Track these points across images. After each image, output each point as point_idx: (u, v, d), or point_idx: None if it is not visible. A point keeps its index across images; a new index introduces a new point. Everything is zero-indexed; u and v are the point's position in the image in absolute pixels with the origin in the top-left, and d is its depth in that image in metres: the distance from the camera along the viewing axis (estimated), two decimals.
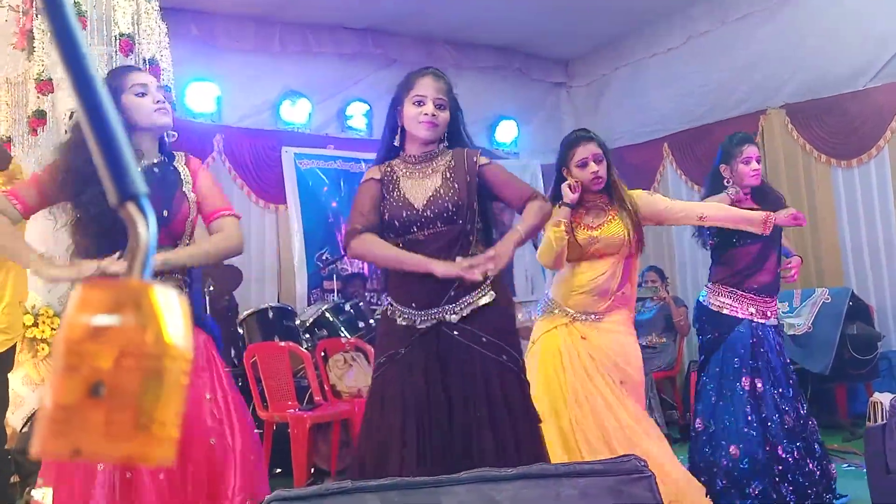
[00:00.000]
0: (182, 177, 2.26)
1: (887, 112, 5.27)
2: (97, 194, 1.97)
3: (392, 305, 2.29)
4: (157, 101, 2.19)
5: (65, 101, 3.44)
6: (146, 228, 0.50)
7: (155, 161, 2.24)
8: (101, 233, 2.06)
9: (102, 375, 0.42)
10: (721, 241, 3.32)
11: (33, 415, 3.49)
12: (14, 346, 3.33)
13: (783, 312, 4.89)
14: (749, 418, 3.16)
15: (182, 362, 0.45)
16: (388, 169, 2.35)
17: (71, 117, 3.50)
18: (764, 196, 3.43)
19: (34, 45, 3.30)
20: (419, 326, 2.21)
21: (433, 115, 2.26)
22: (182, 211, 2.22)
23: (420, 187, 2.30)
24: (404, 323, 2.24)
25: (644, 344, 5.29)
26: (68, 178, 2.09)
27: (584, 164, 2.88)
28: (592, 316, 2.95)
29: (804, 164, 5.70)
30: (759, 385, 3.20)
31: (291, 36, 5.94)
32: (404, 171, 2.34)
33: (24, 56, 3.50)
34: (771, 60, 5.85)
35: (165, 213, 2.17)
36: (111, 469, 1.99)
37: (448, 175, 2.30)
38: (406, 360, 2.20)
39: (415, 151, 2.34)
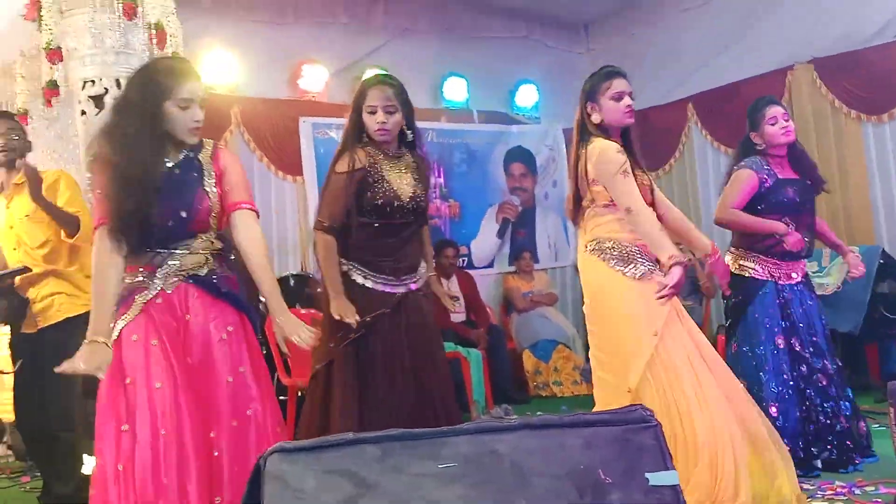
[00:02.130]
0: (205, 170, 2.30)
1: None
2: (136, 201, 2.15)
3: (362, 271, 2.74)
4: (196, 121, 2.24)
5: (76, 71, 3.44)
6: None
7: (179, 158, 2.28)
8: (139, 236, 2.20)
9: None
10: (746, 209, 3.31)
11: None
12: None
13: (812, 272, 4.78)
14: (785, 377, 3.19)
15: None
16: (371, 159, 2.75)
17: (84, 87, 3.51)
18: (797, 160, 3.40)
19: (42, 14, 3.29)
20: (395, 292, 2.74)
21: (384, 122, 2.71)
22: (203, 207, 2.26)
23: (402, 182, 2.77)
24: (379, 287, 2.73)
25: None
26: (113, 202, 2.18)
27: (619, 97, 2.75)
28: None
29: (833, 120, 5.54)
30: (795, 344, 3.23)
31: (305, 5, 5.89)
32: (384, 163, 2.77)
33: (36, 27, 3.51)
34: (798, 15, 5.66)
35: (184, 214, 2.23)
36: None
37: (416, 177, 2.82)
38: (387, 320, 2.71)
39: (384, 147, 2.79)
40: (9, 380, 3.48)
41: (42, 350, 3.12)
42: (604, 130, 2.77)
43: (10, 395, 3.40)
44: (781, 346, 3.21)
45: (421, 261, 2.87)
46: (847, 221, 5.39)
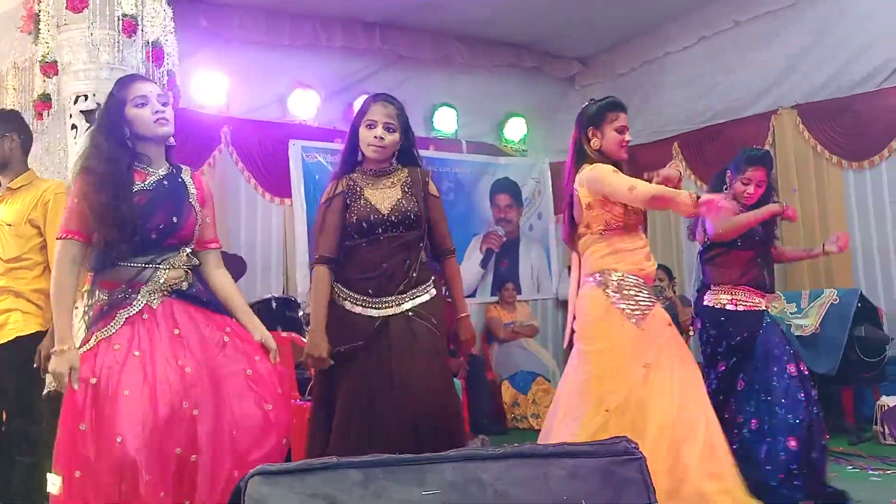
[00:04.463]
0: (189, 189, 2.41)
1: None
2: (115, 208, 2.18)
3: (345, 292, 2.65)
4: (156, 112, 2.32)
5: (70, 85, 3.43)
6: None
7: (164, 172, 2.38)
8: (123, 241, 2.22)
9: None
10: (722, 243, 3.37)
11: None
12: None
13: (790, 313, 4.84)
14: (803, 404, 3.13)
15: None
16: (351, 182, 2.71)
17: (76, 101, 3.49)
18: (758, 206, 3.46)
19: (40, 27, 3.29)
20: (375, 315, 2.60)
21: (381, 138, 2.65)
22: (190, 219, 2.37)
23: (383, 196, 2.68)
24: (357, 310, 2.62)
25: None
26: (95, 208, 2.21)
27: (622, 131, 2.82)
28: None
29: (815, 165, 5.66)
30: (802, 367, 3.22)
31: (301, 29, 5.92)
32: (365, 182, 2.71)
33: (31, 40, 3.50)
34: (784, 60, 5.80)
35: (175, 219, 2.31)
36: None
37: (406, 189, 2.70)
38: (365, 351, 2.58)
39: (372, 167, 2.73)
40: None
41: None
42: (601, 156, 2.84)
43: None
44: (794, 374, 3.17)
45: (423, 284, 2.68)
46: (826, 264, 5.47)
